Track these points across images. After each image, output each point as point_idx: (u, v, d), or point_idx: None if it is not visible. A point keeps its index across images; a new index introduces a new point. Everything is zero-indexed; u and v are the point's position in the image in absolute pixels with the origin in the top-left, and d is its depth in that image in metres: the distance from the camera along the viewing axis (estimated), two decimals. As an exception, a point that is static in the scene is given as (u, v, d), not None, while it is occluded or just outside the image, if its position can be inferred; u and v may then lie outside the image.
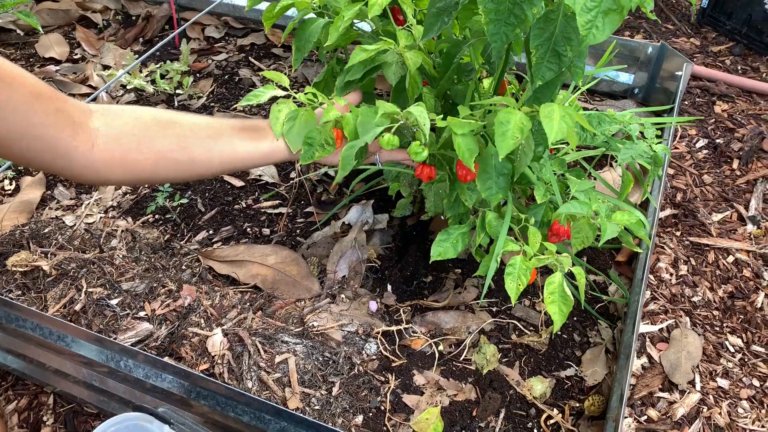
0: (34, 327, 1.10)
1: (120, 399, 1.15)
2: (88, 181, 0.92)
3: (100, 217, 1.46)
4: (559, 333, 1.20)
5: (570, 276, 0.97)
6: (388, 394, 1.09)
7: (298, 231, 1.42)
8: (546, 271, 1.30)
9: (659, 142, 1.06)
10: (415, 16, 1.11)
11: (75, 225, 1.42)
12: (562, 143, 1.45)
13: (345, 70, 1.09)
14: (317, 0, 1.15)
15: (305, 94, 1.01)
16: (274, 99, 1.01)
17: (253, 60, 1.97)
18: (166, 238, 1.39)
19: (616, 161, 1.57)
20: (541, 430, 1.07)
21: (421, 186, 1.25)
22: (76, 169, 0.86)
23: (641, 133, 1.11)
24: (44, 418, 1.30)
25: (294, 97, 1.01)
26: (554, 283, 0.94)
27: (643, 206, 1.47)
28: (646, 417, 1.21)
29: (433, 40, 1.12)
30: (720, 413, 1.22)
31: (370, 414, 1.07)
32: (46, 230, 1.33)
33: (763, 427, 1.20)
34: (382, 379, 1.11)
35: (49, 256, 1.20)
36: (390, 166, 1.31)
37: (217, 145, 0.95)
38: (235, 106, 1.75)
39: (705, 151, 1.78)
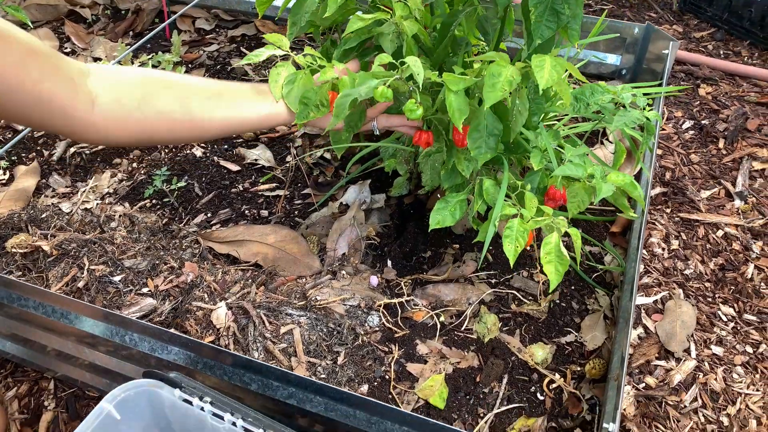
0: (36, 306, 1.10)
1: (124, 378, 1.15)
2: (90, 140, 0.92)
3: (97, 204, 1.46)
4: (558, 301, 1.22)
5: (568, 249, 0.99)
6: (392, 364, 1.11)
7: (296, 212, 1.43)
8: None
9: (651, 109, 1.09)
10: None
11: (72, 211, 1.42)
12: (555, 119, 1.48)
13: (342, 41, 1.12)
14: (315, -25, 1.16)
15: (305, 56, 1.02)
16: (272, 61, 1.03)
17: (244, 50, 1.99)
18: (164, 222, 1.40)
19: (607, 138, 1.60)
20: (544, 393, 1.09)
21: (417, 160, 1.26)
22: (78, 127, 0.86)
23: (633, 103, 1.14)
24: (45, 403, 1.29)
25: (293, 61, 1.03)
26: (550, 244, 0.96)
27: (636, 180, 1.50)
28: (644, 384, 1.24)
29: (429, 15, 1.14)
30: (716, 379, 1.24)
31: (375, 383, 1.08)
32: (44, 215, 1.33)
33: (757, 391, 1.23)
34: (386, 349, 1.12)
35: (48, 237, 1.20)
36: (388, 143, 1.33)
37: (217, 106, 0.96)
38: (237, 65, 1.75)
39: (691, 132, 1.82)
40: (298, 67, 1.03)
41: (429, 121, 1.08)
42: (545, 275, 1.26)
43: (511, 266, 1.19)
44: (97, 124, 0.87)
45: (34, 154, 1.64)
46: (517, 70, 0.89)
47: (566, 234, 0.97)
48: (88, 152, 1.63)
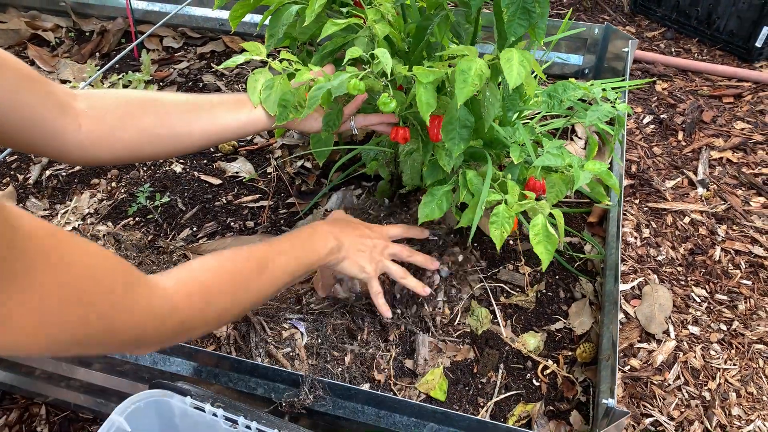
0: (30, 327, 1.09)
1: (121, 397, 1.15)
2: (77, 161, 0.95)
3: (79, 224, 1.45)
4: (544, 291, 1.27)
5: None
6: (391, 361, 1.13)
7: (281, 221, 1.45)
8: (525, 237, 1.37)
9: (621, 102, 1.15)
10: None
11: (54, 233, 1.40)
12: (527, 118, 1.53)
13: (319, 49, 1.16)
14: (291, -11, 1.20)
15: (280, 61, 1.06)
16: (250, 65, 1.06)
17: (215, 66, 2.00)
18: (150, 238, 1.40)
19: (576, 135, 1.67)
20: (539, 379, 1.13)
21: (398, 159, 1.30)
22: (65, 148, 0.90)
23: (604, 98, 1.20)
24: (38, 430, 1.27)
25: (270, 67, 1.06)
26: (538, 225, 1.01)
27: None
28: (629, 366, 1.29)
29: (402, 21, 1.18)
30: (695, 357, 1.31)
31: (376, 381, 1.10)
32: (26, 238, 1.31)
33: (734, 365, 1.29)
34: (384, 348, 1.15)
35: (36, 259, 1.18)
36: (369, 146, 1.36)
37: (197, 118, 1.01)
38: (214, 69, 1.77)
39: (652, 126, 1.91)
40: (275, 74, 1.07)
41: (405, 117, 1.12)
42: (530, 267, 1.32)
43: (497, 250, 1.24)
44: (83, 144, 0.91)
45: (8, 178, 1.62)
46: (485, 64, 0.93)
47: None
48: (64, 174, 1.61)
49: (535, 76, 1.47)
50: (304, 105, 1.04)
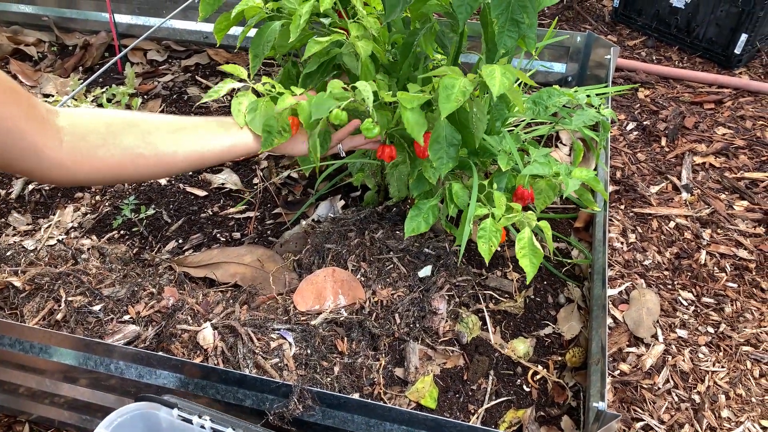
0: (12, 343, 1.07)
1: (107, 412, 1.13)
2: (57, 180, 0.92)
3: (63, 238, 1.43)
4: (533, 297, 1.27)
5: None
6: (380, 370, 1.12)
7: (268, 232, 1.44)
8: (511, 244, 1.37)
9: (606, 107, 1.16)
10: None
11: (37, 248, 1.39)
12: (512, 125, 1.54)
13: (304, 66, 1.15)
14: (270, 4, 1.19)
15: (263, 84, 1.06)
16: (234, 93, 1.06)
17: (199, 78, 1.99)
18: (135, 251, 1.38)
19: (561, 141, 1.68)
20: (530, 385, 1.13)
21: (385, 171, 1.30)
22: (45, 166, 0.87)
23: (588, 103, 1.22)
24: (21, 448, 1.24)
25: (253, 89, 1.06)
26: (524, 239, 1.01)
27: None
28: (618, 371, 1.29)
29: (386, 32, 1.19)
30: (684, 360, 1.31)
31: (366, 390, 1.09)
32: (9, 253, 1.30)
33: (722, 367, 1.30)
34: (374, 356, 1.14)
35: (19, 273, 1.17)
36: (355, 158, 1.36)
37: (181, 140, 0.98)
38: (198, 103, 1.76)
39: (635, 133, 1.93)
40: (258, 95, 1.06)
41: (391, 135, 1.12)
42: (518, 273, 1.32)
43: (486, 264, 1.24)
44: (64, 162, 0.88)
45: (-10, 193, 1.60)
46: (469, 81, 0.94)
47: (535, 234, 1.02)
48: (47, 188, 1.60)
49: (521, 84, 1.48)
50: (288, 129, 1.04)
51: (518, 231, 1.04)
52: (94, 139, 0.91)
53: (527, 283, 1.01)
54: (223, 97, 1.90)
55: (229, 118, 1.05)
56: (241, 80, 1.06)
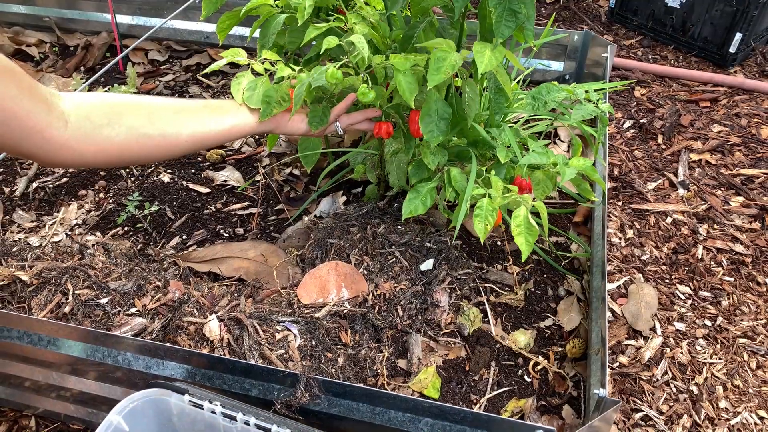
0: (20, 336, 1.08)
1: (114, 404, 1.14)
2: (64, 162, 0.92)
3: (67, 235, 1.45)
4: (533, 289, 1.29)
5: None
6: (384, 362, 1.14)
7: (271, 228, 1.45)
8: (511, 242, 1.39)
9: (603, 102, 1.18)
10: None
11: (42, 244, 1.40)
12: (512, 122, 1.56)
13: (306, 54, 1.18)
14: (280, 1, 1.22)
15: (262, 62, 1.08)
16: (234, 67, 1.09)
17: (201, 78, 2.01)
18: (139, 247, 1.40)
19: (559, 138, 1.70)
20: (531, 376, 1.15)
21: (384, 159, 1.32)
22: (51, 148, 0.87)
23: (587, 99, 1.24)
24: (27, 441, 1.25)
25: (253, 70, 1.09)
26: (519, 216, 1.03)
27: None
28: (618, 363, 1.31)
29: (387, 27, 1.21)
30: (682, 352, 1.33)
31: (370, 381, 1.11)
32: (15, 249, 1.31)
33: (720, 359, 1.32)
34: (377, 348, 1.16)
35: (26, 268, 1.18)
36: (355, 150, 1.38)
37: (185, 120, 1.01)
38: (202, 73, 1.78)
39: (632, 131, 1.95)
40: (257, 76, 1.09)
41: (387, 113, 1.15)
42: (519, 267, 1.33)
43: (482, 243, 1.25)
44: (70, 143, 0.88)
45: (-6, 191, 1.61)
46: (459, 56, 0.97)
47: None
48: (51, 186, 1.61)
49: (520, 82, 1.50)
50: (287, 99, 1.07)
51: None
52: (99, 119, 0.91)
53: (522, 260, 1.03)
54: (221, 94, 1.92)
55: (230, 100, 1.07)
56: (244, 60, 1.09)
